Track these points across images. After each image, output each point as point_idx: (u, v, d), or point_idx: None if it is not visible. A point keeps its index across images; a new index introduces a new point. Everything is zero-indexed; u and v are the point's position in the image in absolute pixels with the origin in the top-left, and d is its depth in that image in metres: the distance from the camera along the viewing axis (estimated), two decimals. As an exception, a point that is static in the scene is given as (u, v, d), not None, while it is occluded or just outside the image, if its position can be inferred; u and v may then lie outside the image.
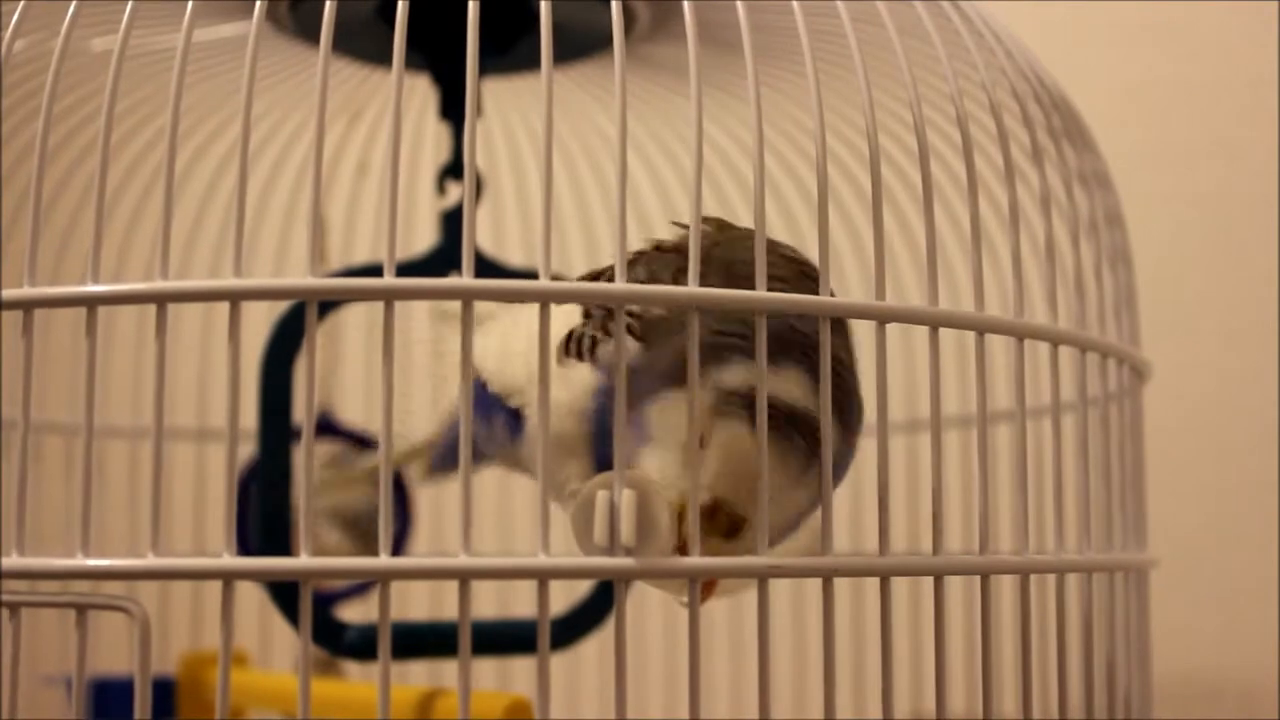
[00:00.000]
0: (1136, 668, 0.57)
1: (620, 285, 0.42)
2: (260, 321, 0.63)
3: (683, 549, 0.43)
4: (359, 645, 0.64)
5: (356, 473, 0.66)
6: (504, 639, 0.65)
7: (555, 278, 0.42)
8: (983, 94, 0.51)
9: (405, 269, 0.64)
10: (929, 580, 0.45)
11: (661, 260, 0.50)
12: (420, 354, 0.61)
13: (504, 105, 0.81)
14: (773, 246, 0.49)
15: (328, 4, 0.43)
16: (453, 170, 0.70)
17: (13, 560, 0.42)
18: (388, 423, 0.41)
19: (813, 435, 0.44)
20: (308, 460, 0.41)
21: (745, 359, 0.44)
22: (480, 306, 0.42)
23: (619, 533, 0.42)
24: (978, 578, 0.46)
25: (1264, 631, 0.86)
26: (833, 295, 0.45)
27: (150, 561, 0.41)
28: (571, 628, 0.67)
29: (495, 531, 0.84)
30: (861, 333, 0.49)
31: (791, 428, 0.44)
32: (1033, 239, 0.54)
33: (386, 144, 0.42)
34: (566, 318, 0.50)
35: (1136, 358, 0.58)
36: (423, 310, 0.79)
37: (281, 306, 0.64)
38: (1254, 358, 0.89)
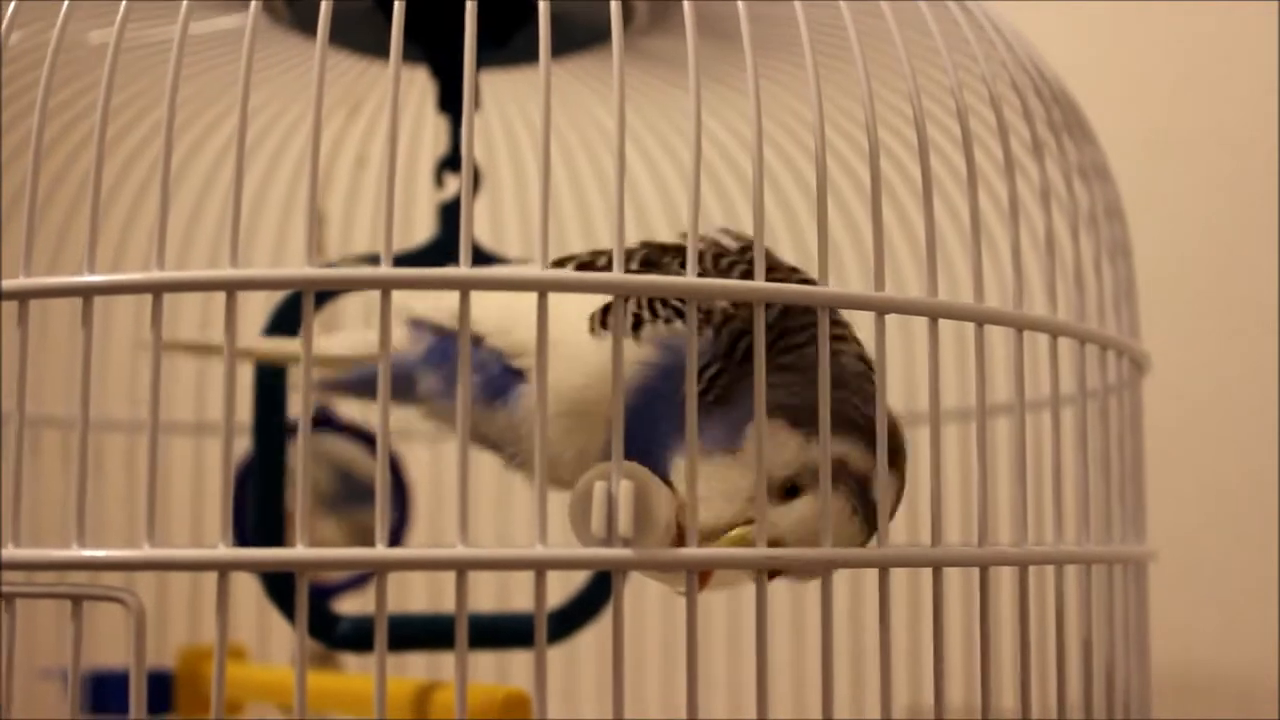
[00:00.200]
0: (1135, 660, 0.57)
1: (619, 275, 0.42)
2: (260, 316, 0.63)
3: (680, 539, 0.43)
4: (352, 637, 0.64)
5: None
6: (501, 631, 0.65)
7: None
8: (983, 87, 0.51)
9: (403, 260, 0.64)
10: (928, 572, 0.45)
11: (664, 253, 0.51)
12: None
13: (503, 98, 0.81)
14: (776, 264, 0.49)
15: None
16: (451, 163, 0.70)
17: (9, 551, 0.42)
18: (384, 414, 0.41)
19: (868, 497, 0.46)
20: (304, 453, 0.41)
21: (842, 433, 0.45)
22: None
23: (616, 524, 0.41)
24: (977, 570, 0.46)
25: (1264, 627, 0.86)
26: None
27: (146, 552, 0.41)
28: (569, 620, 0.67)
29: (494, 524, 0.84)
30: (860, 324, 0.49)
31: (858, 498, 0.46)
32: (1032, 231, 0.53)
33: (384, 136, 0.42)
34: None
35: (1136, 350, 0.58)
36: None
37: (279, 298, 0.64)
38: (1254, 353, 0.88)
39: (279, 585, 0.61)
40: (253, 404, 0.63)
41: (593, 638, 0.69)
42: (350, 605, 0.71)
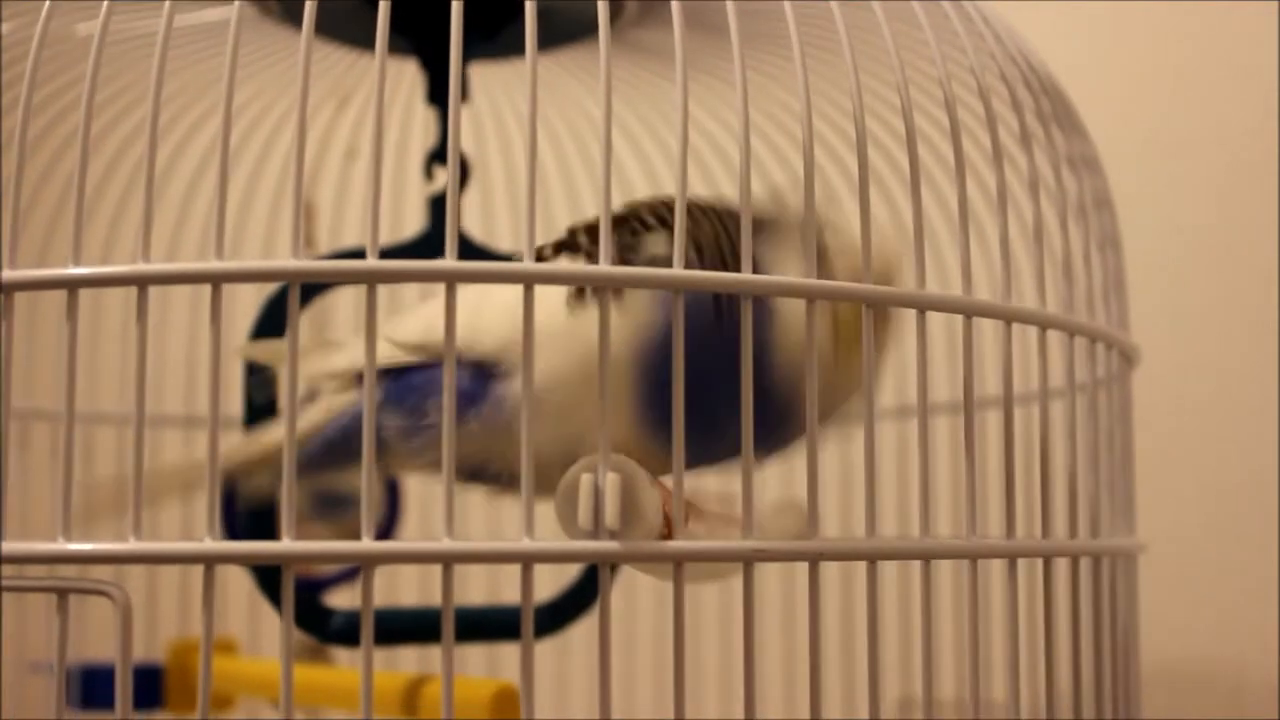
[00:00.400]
0: (1123, 652, 0.57)
1: (605, 268, 0.42)
2: (250, 310, 0.63)
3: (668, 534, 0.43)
4: (345, 631, 0.63)
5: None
6: (491, 625, 0.65)
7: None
8: (971, 78, 0.51)
9: (392, 253, 0.64)
10: (919, 565, 0.45)
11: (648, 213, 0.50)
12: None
13: (493, 90, 0.81)
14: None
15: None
16: (440, 155, 0.69)
17: (-5, 545, 0.42)
18: (370, 407, 0.41)
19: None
20: (290, 445, 0.41)
21: None
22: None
23: (603, 516, 0.41)
24: (967, 563, 0.46)
25: (1257, 622, 0.86)
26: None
27: (132, 545, 0.41)
28: (561, 613, 0.67)
29: (485, 520, 0.84)
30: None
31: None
32: (1021, 222, 0.53)
33: (371, 128, 0.42)
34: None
35: (1125, 342, 0.58)
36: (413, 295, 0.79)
37: (269, 292, 0.64)
38: (1252, 350, 0.88)
39: (270, 578, 0.61)
40: (243, 397, 0.63)
41: (583, 630, 0.69)
42: (343, 599, 0.71)
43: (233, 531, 0.64)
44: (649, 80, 0.75)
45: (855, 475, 0.73)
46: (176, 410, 0.83)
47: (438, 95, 0.68)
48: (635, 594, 0.82)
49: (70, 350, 0.42)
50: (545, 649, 0.72)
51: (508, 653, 0.80)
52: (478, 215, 0.84)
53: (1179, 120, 0.92)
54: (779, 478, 0.60)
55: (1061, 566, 0.51)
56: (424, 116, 0.73)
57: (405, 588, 0.81)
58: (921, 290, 0.46)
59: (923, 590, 0.45)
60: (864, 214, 0.45)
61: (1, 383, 0.42)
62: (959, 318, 0.47)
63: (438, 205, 0.69)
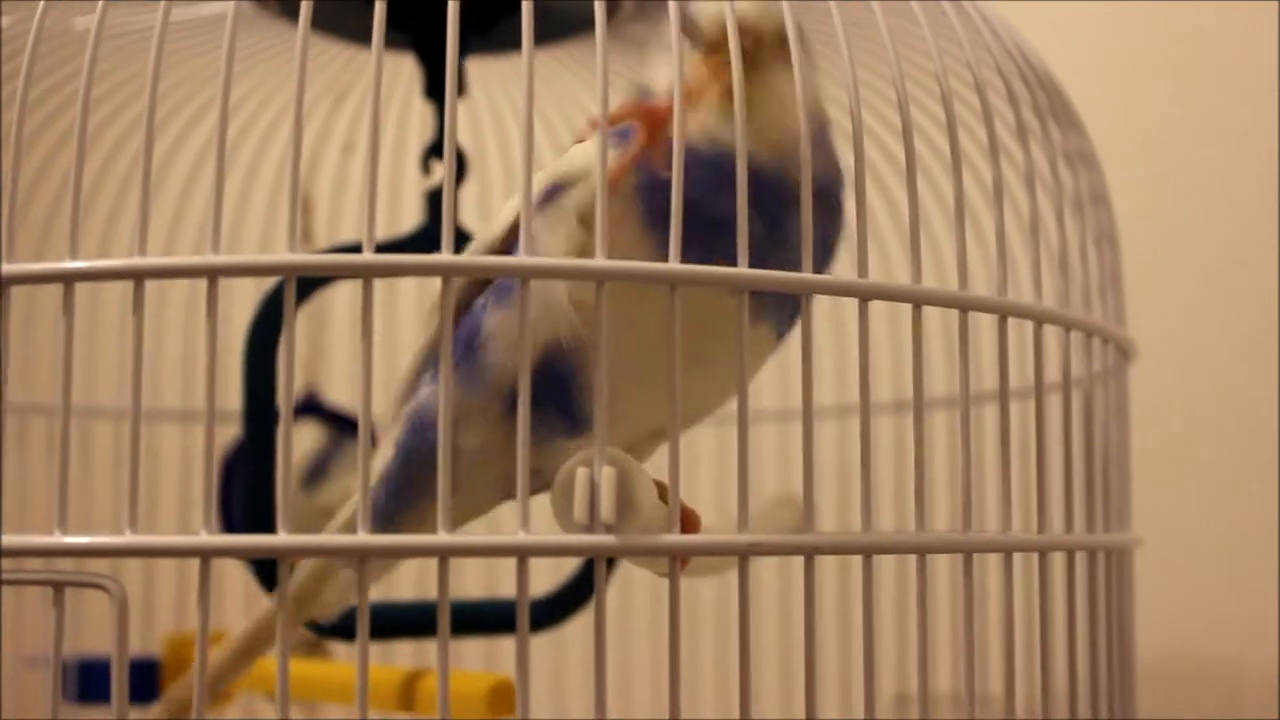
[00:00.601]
0: (1119, 648, 0.57)
1: (600, 262, 0.42)
2: (249, 305, 0.63)
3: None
4: (342, 625, 0.63)
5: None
6: (487, 618, 0.65)
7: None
8: (967, 72, 0.51)
9: (389, 247, 0.64)
10: (915, 560, 0.45)
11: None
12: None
13: (490, 85, 0.81)
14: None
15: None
16: (437, 150, 0.70)
17: (-10, 538, 0.42)
18: (366, 400, 0.41)
19: None
20: (286, 439, 0.41)
21: None
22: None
23: (599, 510, 0.41)
24: (962, 558, 0.46)
25: (1254, 617, 0.86)
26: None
27: (128, 539, 0.41)
28: (556, 607, 0.67)
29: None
30: (845, 312, 0.49)
31: None
32: (1018, 217, 0.53)
33: (368, 123, 0.42)
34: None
35: (1121, 337, 0.58)
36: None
37: (268, 286, 0.64)
38: (1248, 344, 0.88)
39: (268, 572, 0.61)
40: (242, 390, 0.63)
41: (580, 624, 0.69)
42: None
43: (229, 525, 0.65)
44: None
45: (851, 470, 0.73)
46: (174, 404, 0.83)
47: (435, 90, 0.69)
48: (631, 588, 0.82)
49: (67, 344, 0.42)
50: (541, 643, 0.72)
51: (504, 647, 0.80)
52: (475, 209, 0.84)
53: (1178, 118, 0.92)
54: (775, 473, 0.60)
55: (1058, 561, 0.51)
56: (421, 111, 0.73)
57: (402, 581, 0.81)
58: (917, 285, 0.46)
59: (919, 585, 0.45)
60: (859, 205, 0.45)
61: (-2, 376, 0.42)
62: (955, 312, 0.47)
63: (435, 199, 0.69)
